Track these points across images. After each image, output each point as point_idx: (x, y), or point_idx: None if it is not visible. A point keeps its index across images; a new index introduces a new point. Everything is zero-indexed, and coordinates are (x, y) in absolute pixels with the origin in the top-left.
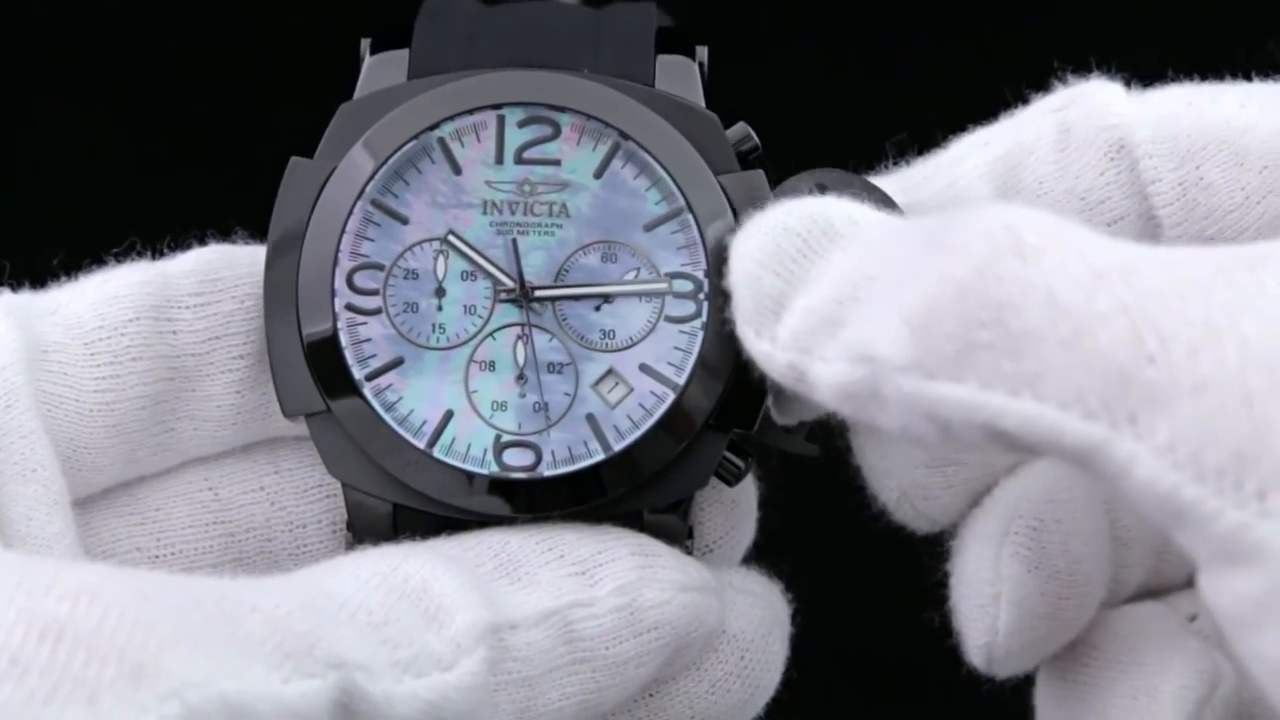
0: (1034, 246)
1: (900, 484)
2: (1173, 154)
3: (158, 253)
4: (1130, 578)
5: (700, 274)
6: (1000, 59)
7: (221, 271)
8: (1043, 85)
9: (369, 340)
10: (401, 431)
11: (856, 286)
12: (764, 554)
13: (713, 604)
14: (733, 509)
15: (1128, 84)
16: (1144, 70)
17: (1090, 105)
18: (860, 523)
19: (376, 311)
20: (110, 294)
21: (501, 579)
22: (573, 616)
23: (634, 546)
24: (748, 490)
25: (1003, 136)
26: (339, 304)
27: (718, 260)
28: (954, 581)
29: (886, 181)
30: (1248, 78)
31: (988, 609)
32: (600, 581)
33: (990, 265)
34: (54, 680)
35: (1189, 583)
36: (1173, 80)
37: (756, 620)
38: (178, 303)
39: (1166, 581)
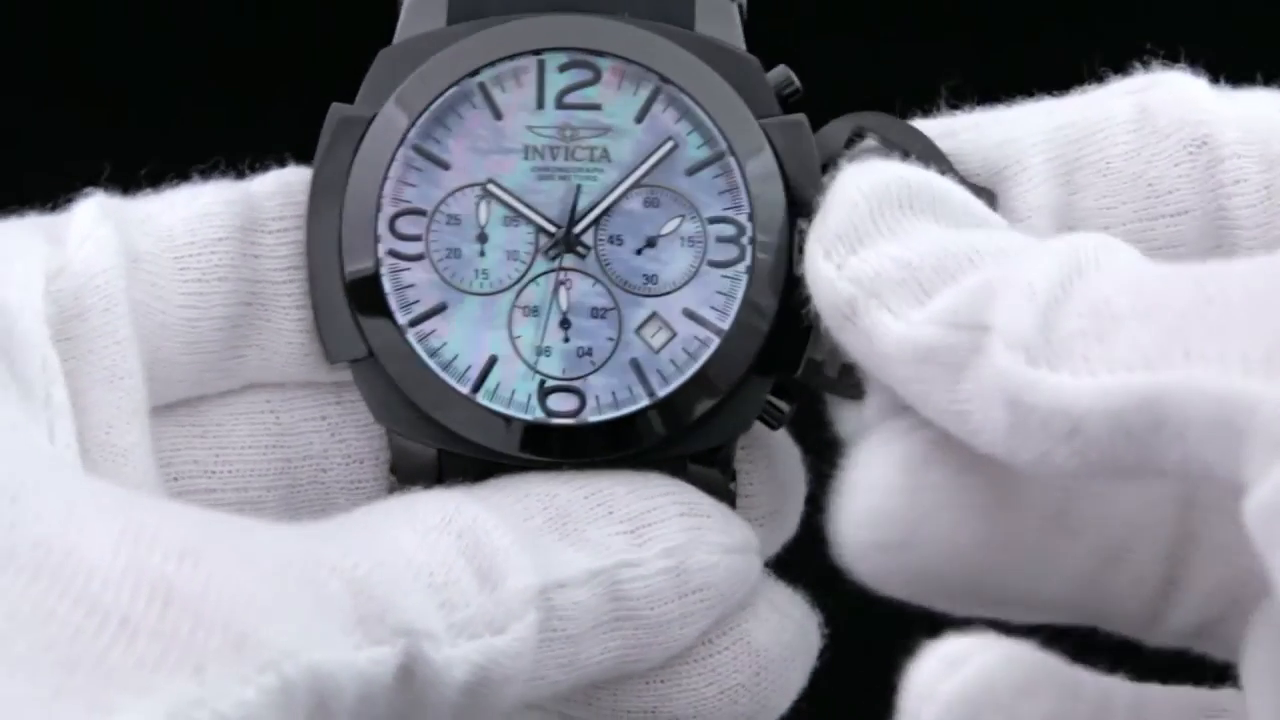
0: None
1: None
2: (1262, 157)
3: (240, 173)
4: (1071, 568)
5: (744, 218)
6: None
7: (301, 195)
8: (1119, 68)
9: (412, 286)
10: (445, 376)
11: (960, 266)
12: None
13: (755, 563)
14: (780, 492)
15: (1212, 81)
16: (1226, 71)
17: (1175, 95)
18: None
19: (419, 257)
20: (201, 210)
21: (551, 533)
22: (620, 576)
23: (684, 506)
24: (797, 478)
25: (1070, 108)
26: (382, 249)
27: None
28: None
29: (933, 125)
30: None
31: (850, 494)
32: (649, 542)
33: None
34: (163, 646)
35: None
36: (1258, 84)
37: (784, 644)
38: (262, 226)
39: (1115, 599)
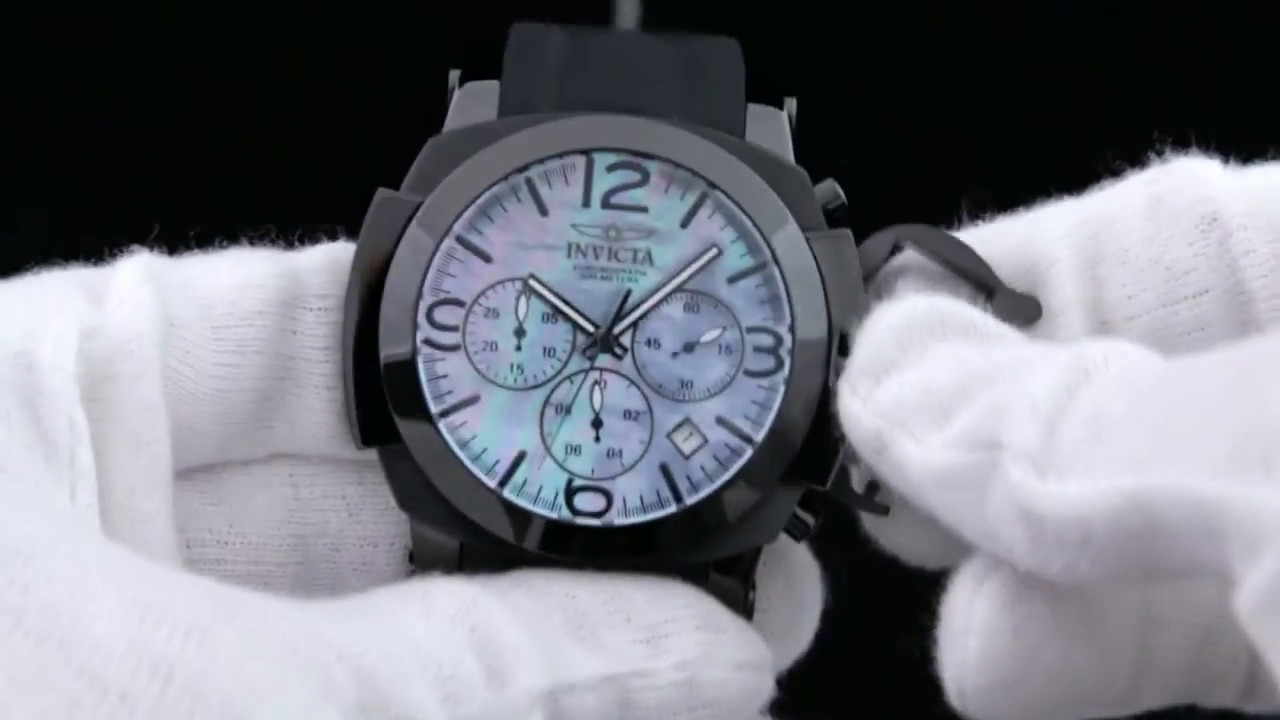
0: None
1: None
2: (1268, 227)
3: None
4: (1168, 661)
5: (783, 329)
6: (1096, 132)
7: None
8: (1137, 158)
9: (446, 376)
10: (474, 469)
11: (980, 385)
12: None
13: (767, 681)
14: (796, 607)
15: (1226, 162)
16: (1248, 152)
17: (1184, 178)
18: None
19: (455, 348)
20: (244, 280)
21: (566, 635)
22: (632, 685)
23: (701, 619)
24: (814, 593)
25: (1089, 203)
26: (419, 338)
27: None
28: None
29: (961, 236)
30: None
31: (958, 642)
32: (664, 653)
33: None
34: None
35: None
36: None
37: None
38: (304, 303)
39: (1212, 679)
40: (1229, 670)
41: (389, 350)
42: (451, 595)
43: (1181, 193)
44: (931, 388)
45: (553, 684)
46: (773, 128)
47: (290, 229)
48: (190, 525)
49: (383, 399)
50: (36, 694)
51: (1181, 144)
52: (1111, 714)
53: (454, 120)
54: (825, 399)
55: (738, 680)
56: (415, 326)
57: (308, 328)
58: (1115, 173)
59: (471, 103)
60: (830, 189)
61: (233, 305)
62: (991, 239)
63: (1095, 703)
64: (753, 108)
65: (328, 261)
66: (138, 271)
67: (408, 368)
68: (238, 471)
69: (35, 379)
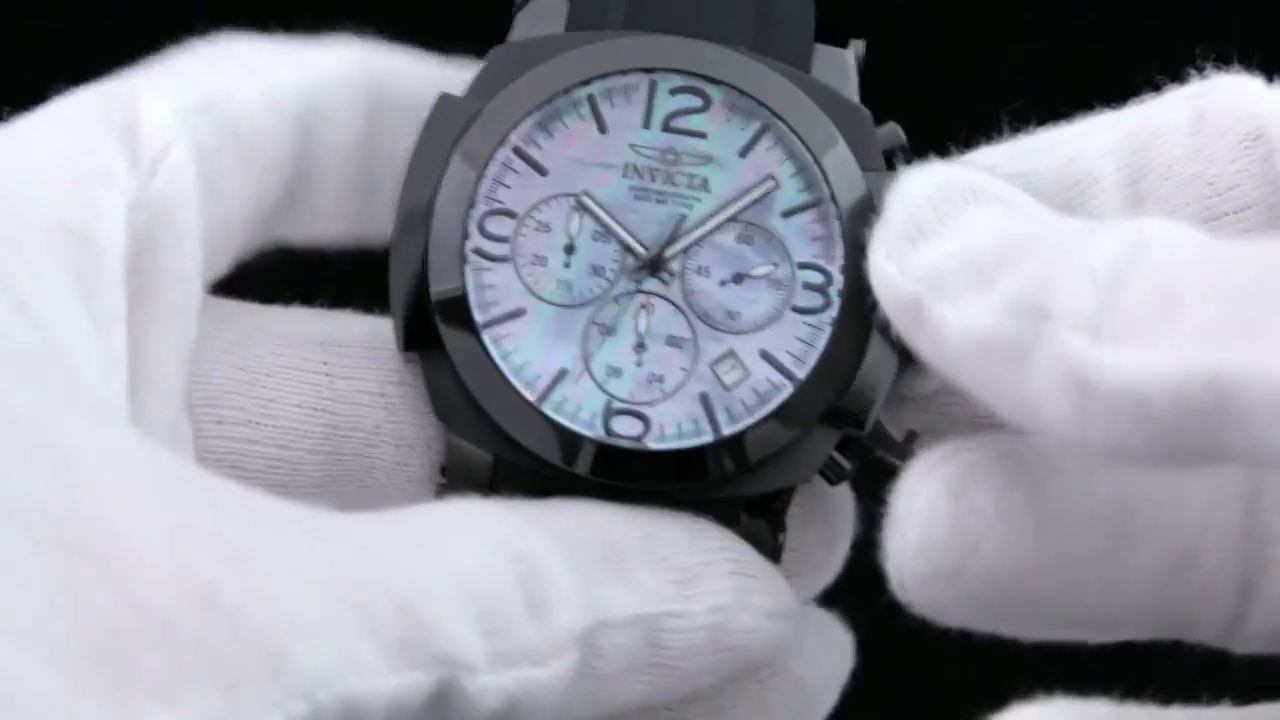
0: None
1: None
2: None
3: None
4: (1139, 579)
5: (834, 268)
6: (1136, 52)
7: (368, 83)
8: (1179, 79)
9: (493, 287)
10: (514, 381)
11: (1023, 252)
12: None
13: (790, 629)
14: (829, 547)
15: (1269, 80)
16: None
17: (1227, 94)
18: None
19: (504, 259)
20: (270, 97)
21: (603, 569)
22: (664, 625)
23: (736, 564)
24: (845, 525)
25: (1133, 117)
26: (469, 247)
27: (856, 249)
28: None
29: (1005, 149)
30: None
31: (900, 528)
32: (697, 596)
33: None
34: (200, 656)
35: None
36: None
37: (826, 670)
38: (323, 116)
39: (1189, 608)
40: (1207, 598)
41: (439, 254)
42: (496, 523)
43: (1225, 108)
44: (972, 255)
45: (592, 622)
46: (838, 67)
47: None
48: (221, 403)
49: (427, 304)
50: (76, 615)
51: (1224, 61)
52: (1085, 636)
53: (519, 32)
54: (870, 342)
55: (765, 628)
56: (465, 235)
57: (324, 142)
58: (1155, 87)
59: (538, 17)
60: (892, 131)
61: (257, 123)
62: (1033, 154)
63: (1060, 618)
64: (820, 47)
65: (352, 64)
66: (166, 115)
67: (458, 286)
68: (273, 353)
69: (90, 256)
